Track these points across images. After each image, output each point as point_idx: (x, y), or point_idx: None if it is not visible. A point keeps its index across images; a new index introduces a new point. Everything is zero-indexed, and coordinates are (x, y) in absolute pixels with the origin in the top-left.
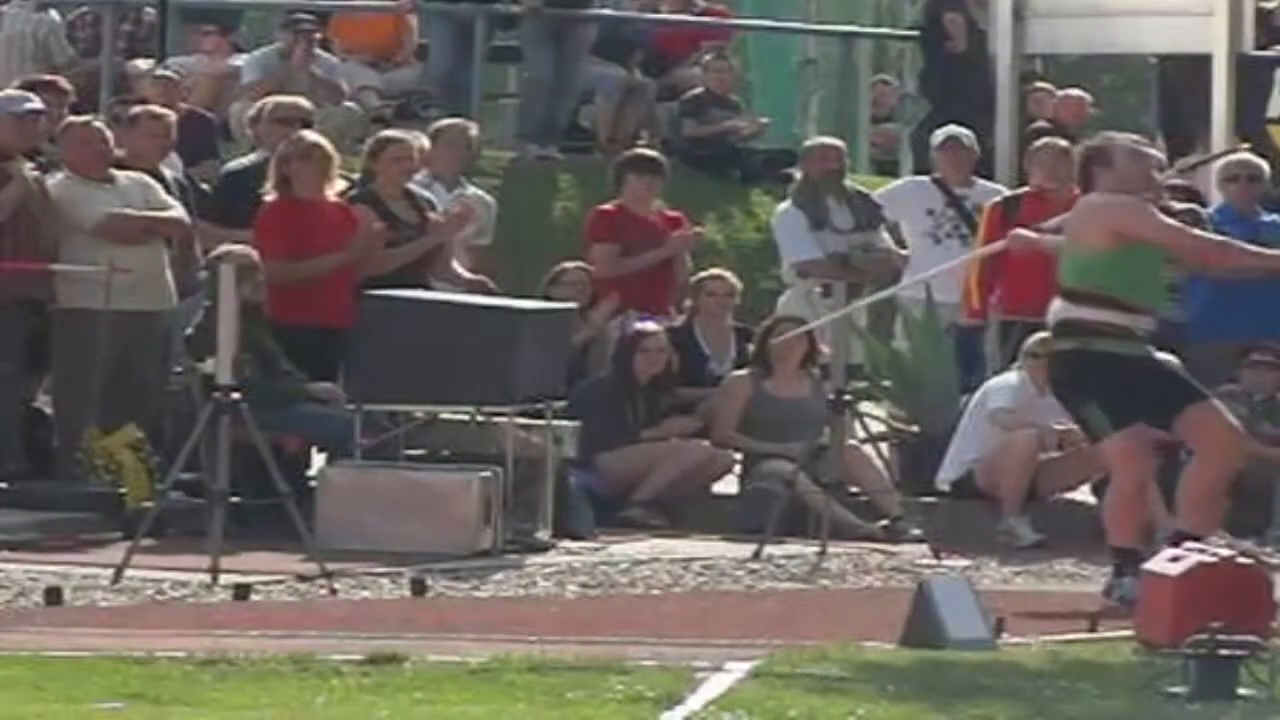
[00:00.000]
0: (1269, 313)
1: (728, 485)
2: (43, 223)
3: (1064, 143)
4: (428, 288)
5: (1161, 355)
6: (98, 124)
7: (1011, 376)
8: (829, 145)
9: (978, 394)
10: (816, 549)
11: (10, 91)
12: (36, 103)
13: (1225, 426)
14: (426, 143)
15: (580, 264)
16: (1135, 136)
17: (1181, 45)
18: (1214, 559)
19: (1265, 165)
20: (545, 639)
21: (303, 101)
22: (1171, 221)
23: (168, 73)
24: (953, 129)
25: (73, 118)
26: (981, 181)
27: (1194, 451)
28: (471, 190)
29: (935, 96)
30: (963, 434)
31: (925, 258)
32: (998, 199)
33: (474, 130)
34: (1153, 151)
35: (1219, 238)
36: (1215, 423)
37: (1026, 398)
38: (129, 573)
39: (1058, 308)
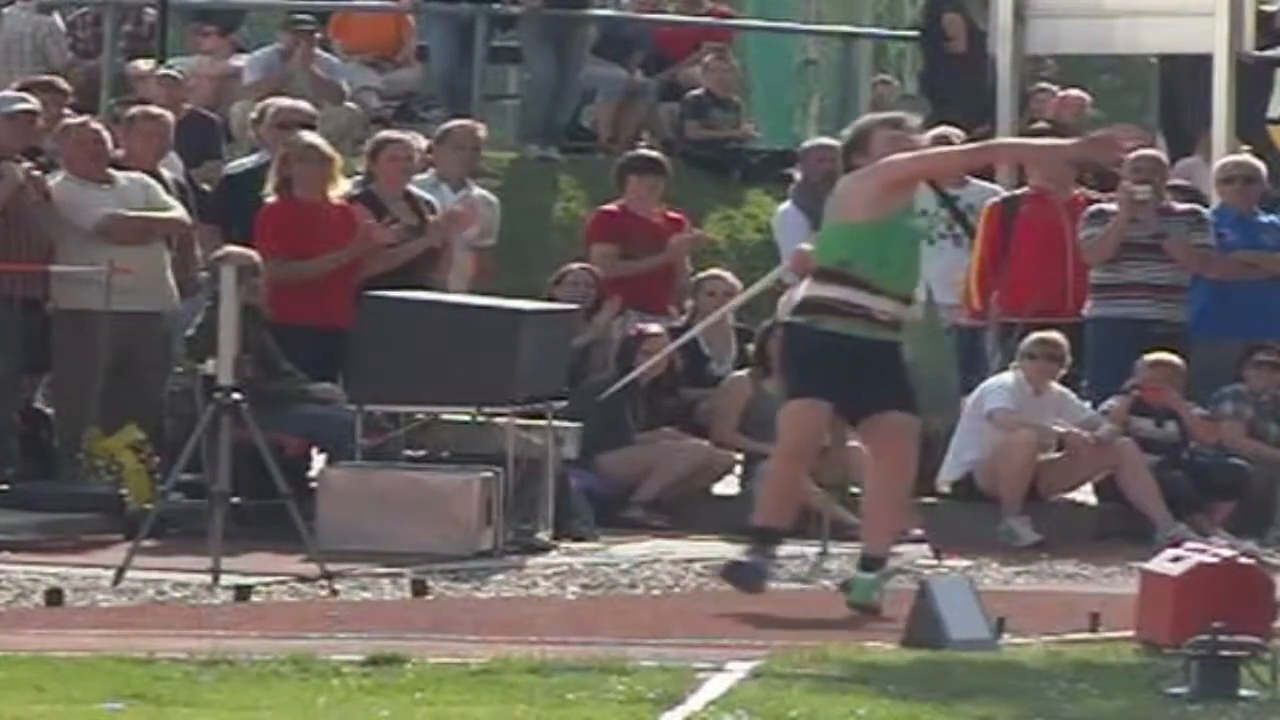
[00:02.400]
0: (1270, 312)
1: (728, 486)
2: (36, 222)
3: None
4: (427, 290)
5: (901, 353)
6: (95, 125)
7: (1007, 377)
8: (827, 146)
9: (974, 395)
10: (817, 549)
11: (3, 93)
12: (28, 103)
13: (912, 449)
14: (423, 143)
15: (585, 265)
16: (896, 115)
17: (1182, 45)
18: (1215, 559)
19: (1262, 166)
20: (546, 640)
21: (304, 105)
22: (926, 149)
23: (171, 72)
24: (941, 129)
25: (70, 118)
26: (976, 182)
27: (874, 460)
28: (477, 191)
29: (935, 97)
30: (961, 435)
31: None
32: (996, 199)
33: (482, 132)
34: (914, 137)
35: (981, 144)
36: (907, 441)
37: (1023, 398)
38: (130, 573)
39: (803, 287)
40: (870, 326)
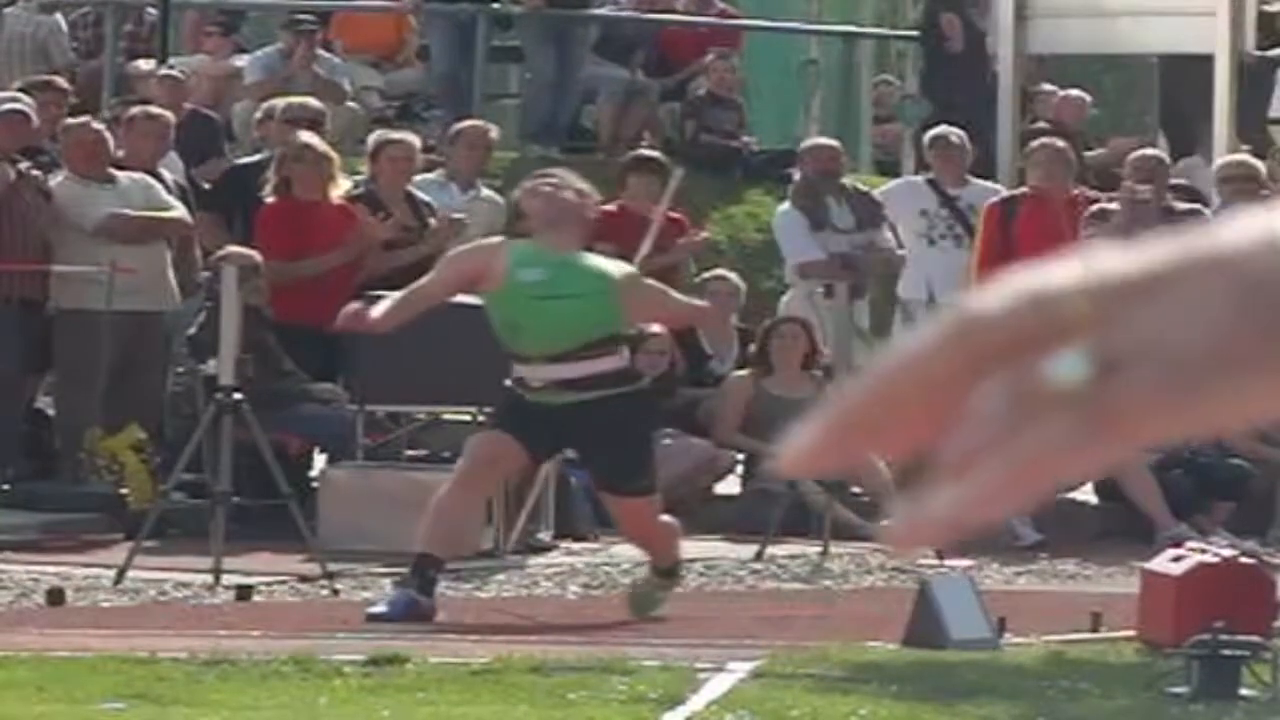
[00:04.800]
0: None
1: (730, 486)
2: (31, 222)
3: (1060, 143)
4: None
5: (610, 412)
6: (96, 125)
7: None
8: (825, 145)
9: None
10: (819, 549)
11: None
12: (20, 103)
13: (643, 528)
14: (417, 142)
15: None
16: (571, 180)
17: (1183, 45)
18: (1216, 559)
19: (1262, 166)
20: (547, 640)
21: (313, 101)
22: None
23: (173, 72)
24: (942, 128)
25: (71, 118)
26: (977, 181)
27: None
28: (486, 192)
29: (936, 97)
30: None
31: (920, 259)
32: (996, 199)
33: (494, 133)
34: (561, 194)
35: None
36: (637, 522)
37: None
38: (131, 573)
39: None
40: (537, 394)
